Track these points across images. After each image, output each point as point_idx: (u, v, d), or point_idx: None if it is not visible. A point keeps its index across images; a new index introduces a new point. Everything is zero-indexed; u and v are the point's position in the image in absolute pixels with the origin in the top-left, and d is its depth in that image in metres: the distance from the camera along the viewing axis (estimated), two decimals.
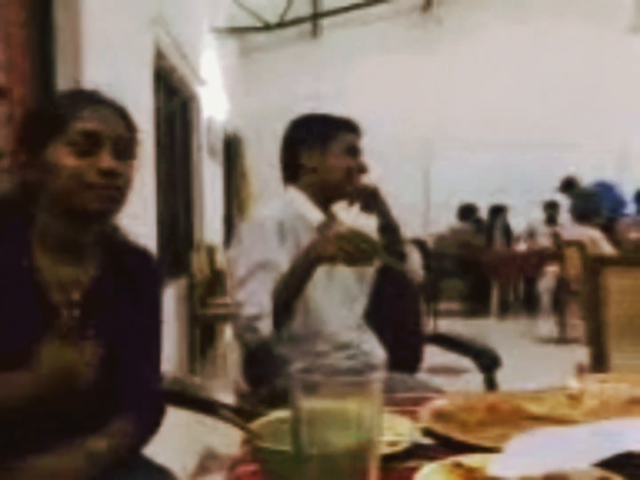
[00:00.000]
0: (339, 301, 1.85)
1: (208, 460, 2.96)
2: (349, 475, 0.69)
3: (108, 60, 3.13)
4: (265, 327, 1.65)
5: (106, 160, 1.14)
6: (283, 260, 1.71)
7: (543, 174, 8.08)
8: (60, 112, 1.16)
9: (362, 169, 1.88)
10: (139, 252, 1.31)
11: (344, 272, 1.84)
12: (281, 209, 1.85)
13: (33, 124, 1.18)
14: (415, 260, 1.96)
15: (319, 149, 1.86)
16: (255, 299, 1.66)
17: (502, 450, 0.89)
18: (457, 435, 0.97)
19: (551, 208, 7.90)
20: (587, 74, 8.50)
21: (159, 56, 4.36)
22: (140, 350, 1.25)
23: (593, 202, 6.81)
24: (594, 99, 8.42)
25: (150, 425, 1.26)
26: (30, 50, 2.65)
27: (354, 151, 1.87)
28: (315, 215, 1.86)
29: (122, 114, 1.21)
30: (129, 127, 1.21)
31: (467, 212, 8.18)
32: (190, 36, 5.40)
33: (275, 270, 1.69)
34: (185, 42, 4.94)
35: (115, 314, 1.22)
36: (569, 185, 7.50)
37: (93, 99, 1.20)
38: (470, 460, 0.86)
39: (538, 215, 7.99)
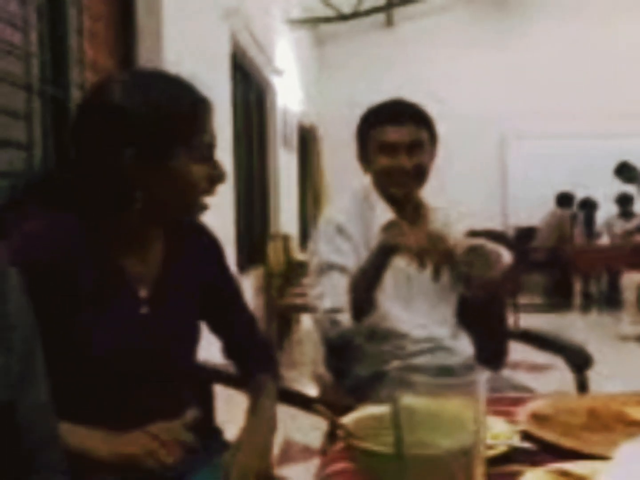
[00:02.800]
0: (424, 298, 1.81)
1: (288, 449, 2.99)
2: (453, 478, 0.66)
3: (188, 51, 3.18)
4: (346, 319, 1.64)
5: (220, 166, 1.16)
6: (348, 261, 1.69)
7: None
8: (192, 116, 1.12)
9: (394, 169, 1.71)
10: (196, 230, 1.29)
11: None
12: (351, 201, 1.82)
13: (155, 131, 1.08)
14: (503, 256, 1.87)
15: (362, 150, 1.80)
16: (332, 292, 1.66)
17: (608, 457, 0.84)
18: (560, 439, 0.93)
19: (624, 200, 7.57)
20: None
21: (236, 47, 4.40)
22: (238, 311, 1.34)
23: None
24: None
25: (277, 376, 1.35)
26: (112, 46, 2.71)
27: (391, 148, 1.71)
28: (381, 212, 1.77)
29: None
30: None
31: (565, 199, 7.92)
32: (266, 27, 5.43)
33: (343, 270, 1.68)
34: (261, 33, 4.97)
35: (189, 292, 1.23)
36: (623, 170, 7.16)
37: (205, 105, 1.16)
38: (578, 467, 0.81)
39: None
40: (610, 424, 1.01)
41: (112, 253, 1.13)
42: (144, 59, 2.82)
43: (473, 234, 1.82)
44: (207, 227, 1.32)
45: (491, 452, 0.88)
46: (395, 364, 0.69)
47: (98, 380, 1.09)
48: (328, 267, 1.69)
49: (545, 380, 3.83)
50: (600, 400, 1.14)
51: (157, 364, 1.15)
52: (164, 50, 2.88)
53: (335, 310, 1.64)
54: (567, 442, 0.91)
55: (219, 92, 3.90)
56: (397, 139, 1.71)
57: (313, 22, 7.71)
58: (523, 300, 6.84)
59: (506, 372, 2.05)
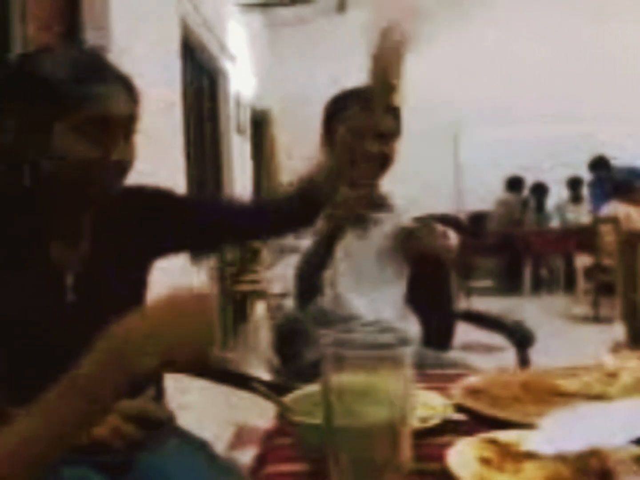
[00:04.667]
0: (373, 281, 1.85)
1: (243, 433, 3.01)
2: (381, 448, 0.70)
3: (136, 34, 3.14)
4: (290, 304, 1.67)
5: (121, 151, 1.07)
6: (303, 244, 1.71)
7: (575, 149, 7.92)
8: (67, 92, 1.03)
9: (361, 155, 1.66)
10: (129, 195, 1.22)
11: (374, 253, 1.84)
12: None
13: (37, 103, 1.03)
14: (450, 238, 1.93)
15: (328, 133, 1.81)
16: (283, 276, 1.68)
17: (537, 426, 0.89)
18: (491, 411, 0.97)
19: (575, 185, 7.77)
20: (623, 48, 8.30)
21: (187, 31, 4.35)
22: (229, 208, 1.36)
23: (628, 177, 6.70)
24: (629, 73, 8.23)
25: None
26: (58, 26, 2.67)
27: (360, 133, 1.64)
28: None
29: (130, 90, 1.11)
30: (136, 105, 1.12)
31: (515, 184, 8.04)
32: (217, 11, 5.38)
33: (297, 253, 1.70)
34: (212, 17, 4.93)
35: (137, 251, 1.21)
36: (598, 164, 7.38)
37: (103, 75, 1.07)
38: (505, 436, 0.86)
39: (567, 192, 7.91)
40: (542, 396, 1.06)
41: (35, 238, 1.10)
42: (90, 42, 2.78)
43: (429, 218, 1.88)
44: (144, 186, 1.26)
45: (426, 424, 0.92)
46: (330, 337, 0.71)
47: (30, 370, 1.06)
48: (281, 251, 1.72)
49: (495, 361, 3.92)
50: (534, 375, 1.19)
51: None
52: (111, 33, 2.84)
53: (283, 295, 1.67)
54: (497, 413, 0.96)
55: (169, 76, 3.87)
56: (369, 125, 1.68)
57: (264, 5, 7.67)
58: (475, 283, 6.98)
59: (458, 354, 2.11)
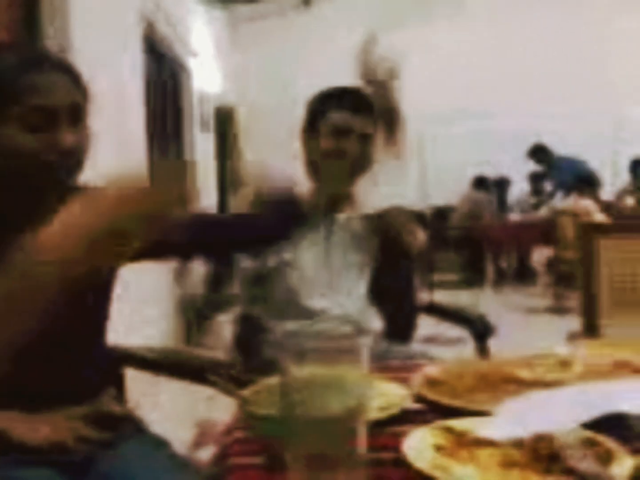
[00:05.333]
0: (335, 274, 1.85)
1: (206, 429, 3.00)
2: (339, 439, 0.70)
3: (96, 30, 3.11)
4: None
5: (66, 137, 1.05)
6: None
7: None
8: (6, 84, 1.03)
9: (342, 154, 1.72)
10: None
11: (338, 247, 1.85)
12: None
13: None
14: (417, 233, 1.95)
15: (310, 129, 1.82)
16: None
17: (492, 414, 0.90)
18: (447, 400, 0.99)
19: (535, 178, 7.95)
20: (582, 44, 8.45)
21: (148, 27, 4.31)
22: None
23: (582, 171, 6.87)
24: (590, 69, 8.39)
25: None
26: (15, 24, 2.62)
27: (342, 132, 1.74)
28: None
29: (74, 79, 1.11)
30: (83, 93, 1.12)
31: (480, 183, 8.17)
32: (179, 7, 5.34)
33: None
34: (174, 13, 4.89)
35: None
36: (537, 152, 7.56)
37: (42, 66, 1.07)
38: (459, 424, 0.87)
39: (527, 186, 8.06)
40: (498, 384, 1.08)
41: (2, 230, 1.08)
42: (50, 38, 2.74)
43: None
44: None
45: (384, 414, 0.93)
46: (287, 328, 0.72)
47: None
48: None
49: (460, 353, 3.97)
50: (490, 364, 1.21)
51: (51, 346, 1.10)
52: (70, 29, 2.81)
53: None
54: (454, 402, 0.97)
55: (130, 73, 3.83)
56: (352, 126, 1.74)
57: (227, 1, 7.62)
58: (438, 277, 7.04)
59: (421, 347, 2.13)
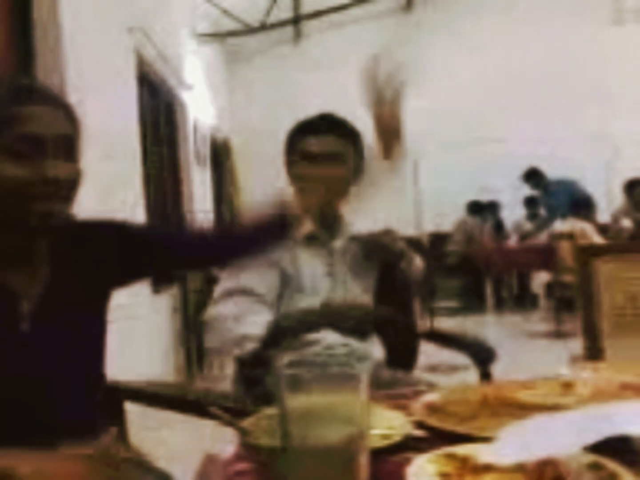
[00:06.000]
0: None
1: (210, 464, 2.96)
2: (340, 468, 0.70)
3: (90, 66, 3.14)
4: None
5: (54, 167, 1.04)
6: (259, 287, 1.73)
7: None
8: None
9: (313, 178, 1.74)
10: (86, 228, 1.23)
11: (338, 276, 1.85)
12: None
13: None
14: (415, 260, 1.96)
15: (287, 159, 1.86)
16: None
17: (495, 439, 0.90)
18: (449, 426, 0.98)
19: (531, 203, 7.98)
20: (570, 66, 8.54)
21: (142, 61, 4.36)
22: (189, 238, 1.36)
23: (577, 193, 6.91)
24: (578, 92, 8.47)
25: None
26: (10, 59, 2.65)
27: (312, 157, 1.77)
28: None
29: (65, 112, 1.11)
30: (74, 125, 1.12)
31: (475, 208, 8.20)
32: (172, 41, 5.40)
33: (251, 295, 1.71)
34: (168, 48, 4.94)
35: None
36: (531, 176, 7.60)
37: (31, 97, 1.07)
38: (463, 450, 0.86)
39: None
40: (500, 409, 1.07)
41: None
42: (43, 74, 2.76)
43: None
44: (101, 220, 1.26)
45: (385, 442, 0.92)
46: (286, 358, 0.71)
47: None
48: (233, 292, 1.73)
49: (463, 380, 3.94)
50: (493, 389, 1.20)
51: (47, 382, 1.10)
52: (63, 65, 2.83)
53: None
54: (456, 428, 0.97)
55: (124, 108, 3.86)
56: (316, 149, 1.77)
57: (219, 35, 7.72)
58: (438, 304, 7.03)
59: (424, 375, 2.11)
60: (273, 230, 1.39)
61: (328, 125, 1.82)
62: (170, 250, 1.32)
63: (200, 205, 6.11)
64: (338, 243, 1.90)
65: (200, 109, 6.43)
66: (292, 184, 1.87)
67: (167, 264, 1.35)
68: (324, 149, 1.78)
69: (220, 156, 7.71)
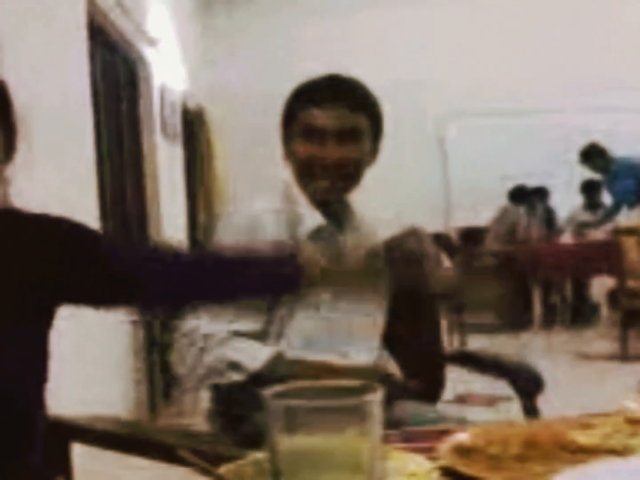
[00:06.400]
0: (344, 320, 1.86)
1: None
2: None
3: (32, 18, 3.14)
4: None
5: None
6: None
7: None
8: None
9: (317, 160, 1.77)
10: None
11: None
12: (264, 203, 1.87)
13: None
14: (442, 263, 1.95)
15: (285, 133, 1.87)
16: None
17: None
18: (486, 473, 0.98)
19: (590, 189, 7.92)
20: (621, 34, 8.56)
21: (94, 12, 4.35)
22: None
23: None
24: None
25: None
26: None
27: (315, 134, 1.79)
28: (308, 214, 1.84)
29: None
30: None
31: (520, 195, 8.20)
32: None
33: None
34: None
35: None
36: (591, 155, 7.50)
37: None
38: None
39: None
40: (552, 452, 1.07)
41: None
42: None
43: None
44: (49, 214, 1.28)
45: None
46: (276, 388, 0.71)
47: None
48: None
49: (502, 415, 3.95)
50: (541, 427, 1.20)
51: None
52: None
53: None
54: (494, 476, 0.97)
55: (73, 66, 3.86)
56: (324, 124, 1.77)
57: None
58: (471, 318, 7.03)
59: (452, 407, 2.12)
60: (281, 278, 1.38)
61: (337, 91, 1.81)
62: (135, 278, 1.32)
63: (167, 190, 6.11)
64: (347, 238, 1.90)
65: (169, 70, 6.43)
66: (291, 167, 1.87)
67: (124, 288, 1.33)
68: (334, 124, 1.78)
69: (193, 130, 7.71)
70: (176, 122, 6.69)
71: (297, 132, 1.82)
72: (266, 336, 1.78)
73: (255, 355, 1.71)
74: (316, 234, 1.84)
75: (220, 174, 8.02)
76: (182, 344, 1.75)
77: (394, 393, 1.81)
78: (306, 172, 1.83)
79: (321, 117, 1.78)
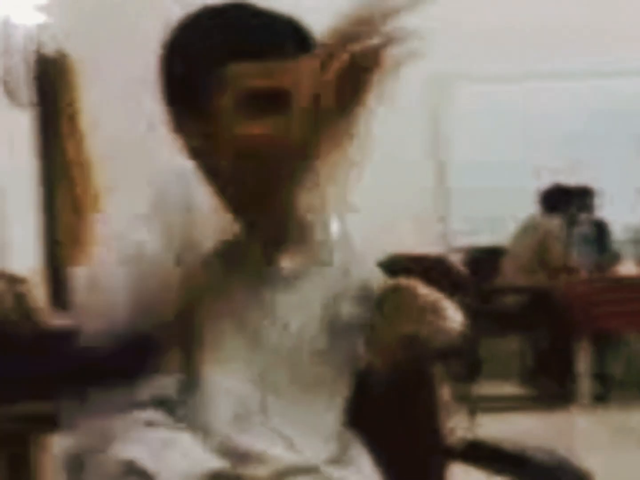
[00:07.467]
0: (288, 395, 1.95)
1: None
2: None
3: None
4: None
5: None
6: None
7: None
8: None
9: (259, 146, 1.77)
10: None
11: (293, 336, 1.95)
12: (153, 204, 1.94)
13: None
14: (450, 314, 2.01)
15: (188, 103, 1.86)
16: None
17: None
18: None
19: None
20: None
21: None
22: None
23: None
24: None
25: None
26: None
27: (257, 102, 1.78)
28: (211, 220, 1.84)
29: None
30: None
31: (556, 199, 8.27)
32: None
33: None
34: None
35: None
36: None
37: None
38: None
39: None
40: None
41: None
42: None
43: (393, 263, 1.99)
44: None
45: None
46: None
47: None
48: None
49: None
50: None
51: None
52: None
53: None
54: None
55: None
56: (261, 84, 1.76)
57: None
58: (485, 388, 7.10)
59: None
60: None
61: (286, 34, 1.81)
62: None
63: (11, 178, 6.12)
64: (291, 264, 1.96)
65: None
66: (194, 157, 1.89)
67: None
68: (273, 84, 1.78)
69: (50, 85, 7.72)
70: (23, 76, 6.70)
71: (228, 104, 1.81)
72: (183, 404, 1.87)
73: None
74: (230, 254, 1.88)
75: (91, 156, 8.02)
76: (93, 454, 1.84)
77: None
78: (246, 167, 1.88)
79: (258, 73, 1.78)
